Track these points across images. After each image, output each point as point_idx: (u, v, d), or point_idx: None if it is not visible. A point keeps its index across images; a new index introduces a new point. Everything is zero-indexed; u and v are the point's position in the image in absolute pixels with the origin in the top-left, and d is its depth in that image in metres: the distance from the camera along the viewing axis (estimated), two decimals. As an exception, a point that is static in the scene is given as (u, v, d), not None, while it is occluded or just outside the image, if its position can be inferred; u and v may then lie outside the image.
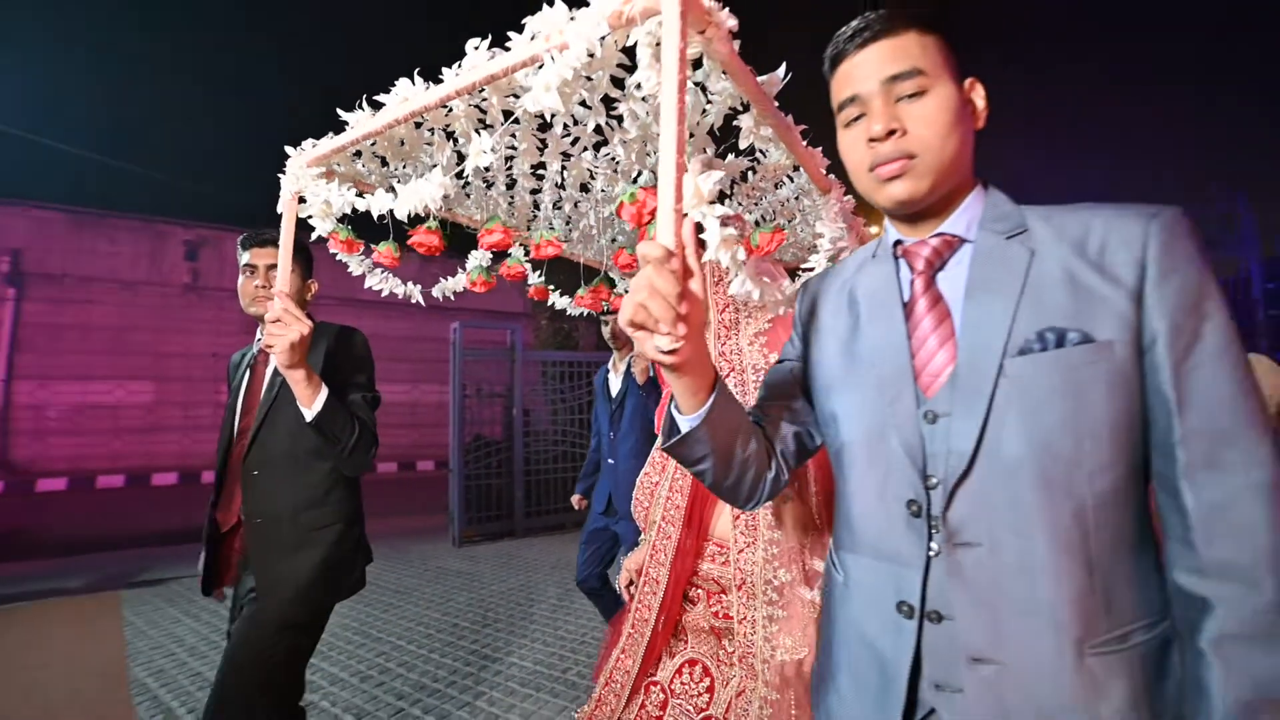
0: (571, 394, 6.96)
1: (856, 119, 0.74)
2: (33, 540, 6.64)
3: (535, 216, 1.48)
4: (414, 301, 1.55)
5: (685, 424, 0.75)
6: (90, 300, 12.52)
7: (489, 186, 1.31)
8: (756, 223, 1.44)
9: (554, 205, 1.38)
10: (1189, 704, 0.59)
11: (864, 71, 0.72)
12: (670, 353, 0.65)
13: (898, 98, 0.70)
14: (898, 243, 0.79)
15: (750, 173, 1.19)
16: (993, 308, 0.68)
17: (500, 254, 1.55)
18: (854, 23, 0.74)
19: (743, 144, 1.03)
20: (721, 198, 1.30)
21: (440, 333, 8.79)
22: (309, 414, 1.41)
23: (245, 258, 1.63)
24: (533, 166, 1.16)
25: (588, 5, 0.82)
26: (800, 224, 1.46)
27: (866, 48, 0.72)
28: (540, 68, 0.85)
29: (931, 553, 0.69)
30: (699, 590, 1.24)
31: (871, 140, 0.71)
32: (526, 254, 1.56)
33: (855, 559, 0.77)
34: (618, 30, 0.82)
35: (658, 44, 0.77)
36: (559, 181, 1.24)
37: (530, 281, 1.71)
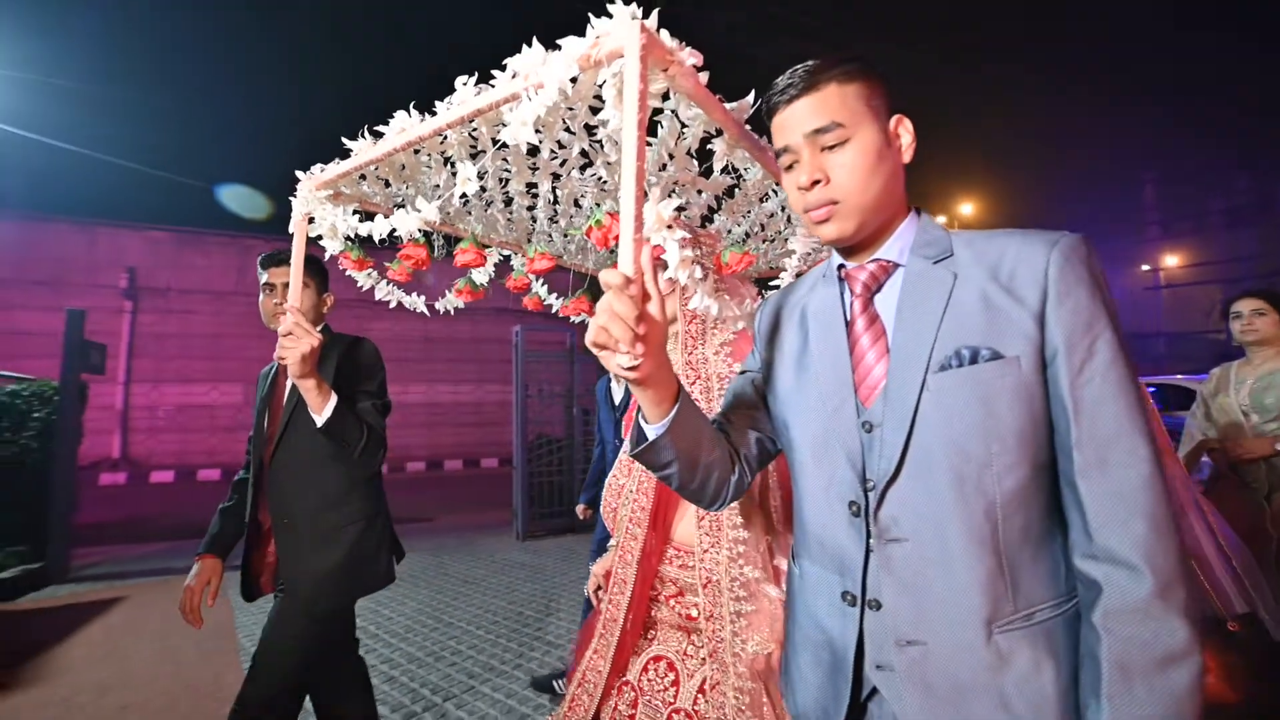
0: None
1: (791, 166, 0.81)
2: (149, 526, 7.40)
3: (533, 230, 1.55)
4: (419, 311, 1.64)
5: (651, 432, 0.81)
6: (189, 310, 13.74)
7: (488, 206, 1.38)
8: (747, 234, 1.49)
9: (550, 220, 1.45)
10: (1083, 670, 0.67)
11: (791, 125, 0.79)
12: (631, 369, 0.73)
13: (822, 147, 0.77)
14: (841, 266, 0.86)
15: (735, 189, 1.24)
16: (918, 327, 0.75)
17: (504, 267, 1.63)
18: (782, 78, 0.80)
19: (717, 167, 1.09)
20: (710, 213, 1.35)
21: (503, 335, 9.15)
22: (319, 420, 1.50)
23: (265, 276, 1.72)
24: (526, 185, 1.23)
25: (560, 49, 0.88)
26: (790, 233, 1.50)
27: (793, 103, 0.79)
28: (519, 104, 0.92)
29: (869, 548, 0.76)
30: (660, 592, 1.28)
31: (800, 189, 0.79)
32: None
33: (808, 553, 0.84)
34: (588, 71, 0.88)
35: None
36: (552, 199, 1.31)
37: (532, 291, 1.77)
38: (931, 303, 0.75)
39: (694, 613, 1.21)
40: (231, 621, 3.86)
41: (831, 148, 0.77)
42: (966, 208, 20.11)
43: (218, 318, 13.96)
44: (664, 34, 0.85)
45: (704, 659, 1.19)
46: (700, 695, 1.17)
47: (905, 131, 0.80)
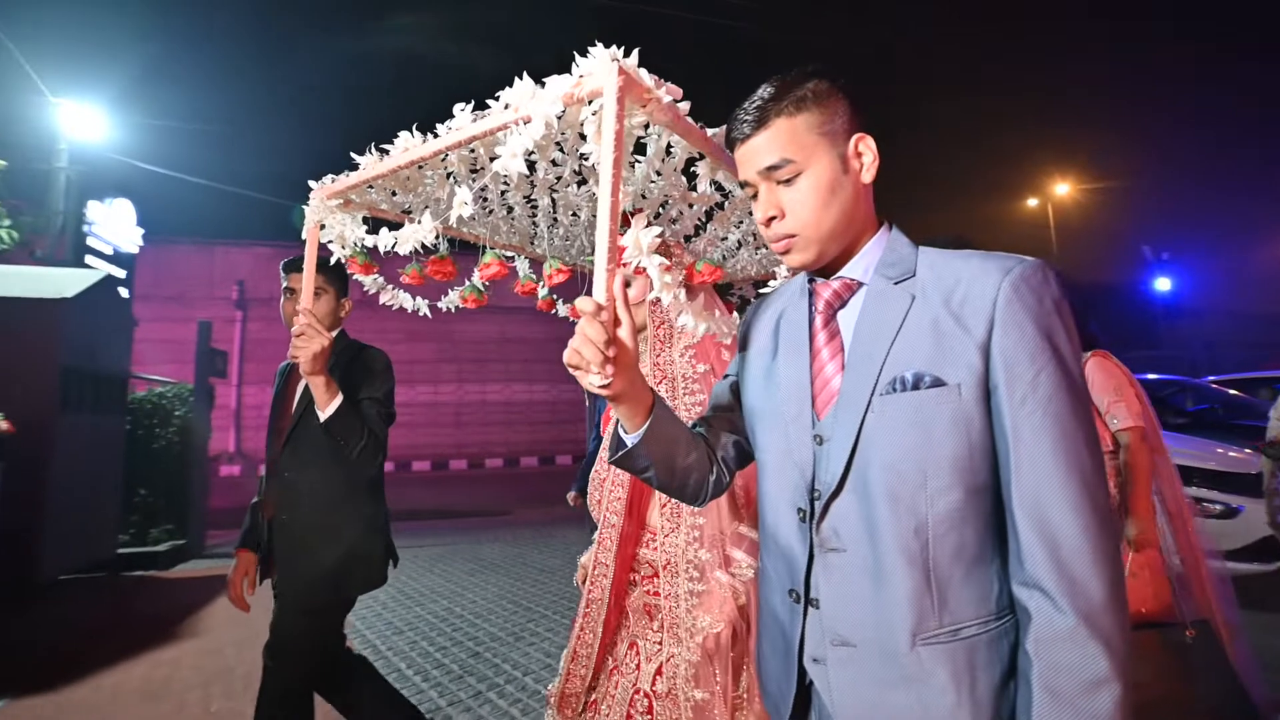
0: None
1: (754, 197, 0.84)
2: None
3: (535, 234, 1.62)
4: (422, 315, 1.70)
5: (628, 440, 0.87)
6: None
7: (489, 214, 1.46)
8: (739, 243, 1.57)
9: (549, 227, 1.53)
10: (1018, 692, 0.70)
11: (746, 162, 0.82)
12: (604, 387, 0.79)
13: (776, 181, 0.79)
14: (812, 280, 0.89)
15: (725, 202, 1.30)
16: (871, 348, 0.77)
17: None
18: (738, 112, 0.81)
19: (700, 188, 1.14)
20: (701, 225, 1.42)
21: (573, 336, 9.42)
22: (322, 415, 1.57)
23: (286, 281, 1.78)
24: (525, 198, 1.29)
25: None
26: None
27: (746, 141, 0.80)
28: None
29: (813, 553, 0.81)
30: (637, 574, 1.39)
31: (760, 223, 0.83)
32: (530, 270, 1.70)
33: (768, 552, 0.90)
34: (571, 107, 0.93)
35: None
36: (551, 211, 1.38)
37: (541, 294, 1.84)
38: (886, 324, 0.77)
39: (661, 590, 1.31)
40: (338, 598, 4.32)
41: (785, 182, 0.79)
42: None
43: (316, 324, 15.16)
44: (642, 72, 0.90)
45: (660, 640, 1.30)
46: (658, 676, 1.28)
47: (867, 150, 0.80)
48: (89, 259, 8.87)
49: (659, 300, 1.33)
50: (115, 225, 9.67)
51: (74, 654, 3.29)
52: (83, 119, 9.10)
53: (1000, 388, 0.70)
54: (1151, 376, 6.35)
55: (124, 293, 8.63)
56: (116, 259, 9.61)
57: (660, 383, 1.35)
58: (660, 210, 1.31)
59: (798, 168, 0.78)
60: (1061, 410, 0.69)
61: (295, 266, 1.73)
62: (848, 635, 0.76)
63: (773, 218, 0.81)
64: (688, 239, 1.49)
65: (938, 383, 0.72)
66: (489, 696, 2.80)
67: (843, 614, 0.77)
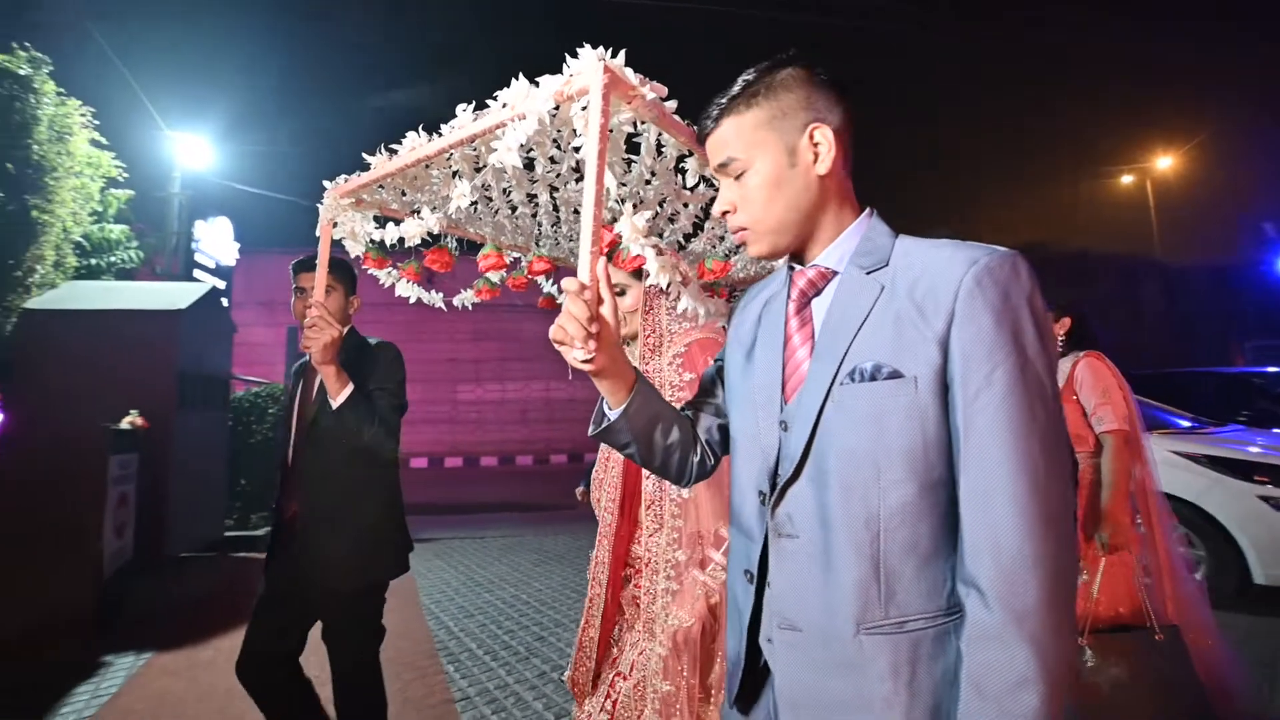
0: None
1: None
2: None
3: (539, 234, 1.67)
4: (437, 308, 1.78)
5: (610, 416, 0.91)
6: (368, 320, 15.95)
7: (495, 213, 1.51)
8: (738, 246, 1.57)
9: (552, 226, 1.58)
10: (954, 687, 0.69)
11: (709, 158, 0.85)
12: (586, 362, 0.83)
13: (732, 176, 0.83)
14: (792, 268, 0.89)
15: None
16: (836, 338, 0.77)
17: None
18: (704, 110, 0.85)
19: (690, 183, 1.17)
20: (699, 223, 1.45)
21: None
22: (335, 403, 1.63)
23: (296, 281, 1.85)
24: (527, 195, 1.34)
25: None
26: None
27: (706, 140, 0.84)
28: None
29: (768, 537, 0.82)
30: (631, 570, 1.44)
31: (717, 216, 0.85)
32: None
33: (734, 531, 0.91)
34: (563, 104, 0.98)
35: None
36: (552, 207, 1.43)
37: (545, 291, 1.88)
38: (853, 314, 0.76)
39: (642, 588, 1.37)
40: (414, 582, 4.69)
41: (737, 177, 0.82)
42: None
43: (390, 325, 16.01)
44: (628, 71, 0.94)
45: (639, 631, 1.36)
46: (635, 662, 1.35)
47: (823, 140, 0.79)
48: (196, 272, 10.02)
49: (650, 310, 1.40)
50: (216, 241, 10.78)
51: (197, 620, 3.72)
52: (192, 148, 10.56)
53: (955, 382, 0.69)
54: (1273, 370, 5.87)
55: (224, 302, 9.58)
56: (217, 271, 10.81)
57: None
58: (658, 209, 1.35)
59: (743, 164, 0.80)
60: (1016, 407, 0.67)
61: (304, 267, 1.83)
62: (795, 619, 0.77)
63: (726, 211, 0.84)
64: (687, 238, 1.52)
65: (895, 375, 0.72)
66: (553, 677, 2.98)
67: (791, 598, 0.78)
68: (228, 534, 6.06)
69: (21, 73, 4.58)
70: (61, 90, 4.96)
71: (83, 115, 5.25)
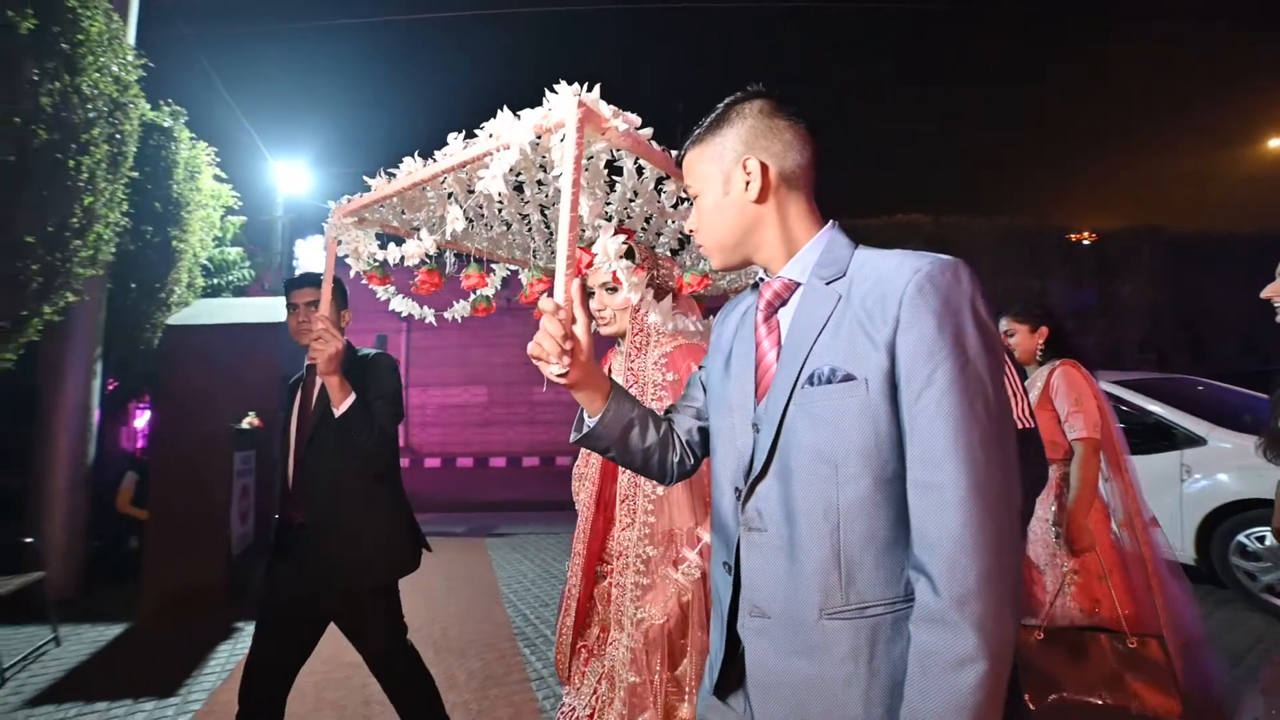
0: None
1: None
2: (424, 501, 9.42)
3: (535, 248, 1.74)
4: (428, 323, 1.86)
5: (589, 423, 0.98)
6: (444, 326, 16.76)
7: (489, 229, 1.58)
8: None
9: (545, 241, 1.66)
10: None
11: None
12: (562, 376, 0.91)
13: (693, 199, 0.94)
14: (762, 280, 0.96)
15: None
16: (798, 344, 0.83)
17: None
18: None
19: (668, 204, 1.26)
20: (685, 239, 1.54)
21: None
22: (338, 412, 1.69)
23: (288, 298, 1.91)
24: (520, 214, 1.42)
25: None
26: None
27: (681, 166, 0.95)
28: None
29: (741, 531, 0.88)
30: (605, 565, 1.48)
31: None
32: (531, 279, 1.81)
33: (714, 526, 0.97)
34: (544, 135, 1.06)
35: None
36: (545, 227, 1.51)
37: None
38: (813, 322, 0.82)
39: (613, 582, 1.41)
40: (494, 573, 5.04)
41: (696, 200, 0.94)
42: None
43: (464, 332, 16.80)
44: (602, 105, 1.02)
45: (609, 621, 1.40)
46: (606, 649, 1.40)
47: (753, 172, 0.86)
48: (297, 287, 11.02)
49: (638, 310, 1.45)
50: (313, 258, 11.81)
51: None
52: (292, 174, 11.55)
53: (902, 383, 0.75)
54: None
55: (321, 313, 10.52)
56: (315, 285, 11.82)
57: (631, 385, 1.43)
58: (645, 226, 1.43)
59: (694, 192, 0.93)
60: (956, 404, 0.72)
61: (295, 284, 1.90)
62: (764, 607, 0.83)
63: (693, 230, 0.95)
64: (674, 253, 1.59)
65: (848, 378, 0.77)
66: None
67: (761, 587, 0.84)
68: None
69: (165, 125, 5.29)
70: (193, 135, 5.68)
71: (209, 155, 5.97)
